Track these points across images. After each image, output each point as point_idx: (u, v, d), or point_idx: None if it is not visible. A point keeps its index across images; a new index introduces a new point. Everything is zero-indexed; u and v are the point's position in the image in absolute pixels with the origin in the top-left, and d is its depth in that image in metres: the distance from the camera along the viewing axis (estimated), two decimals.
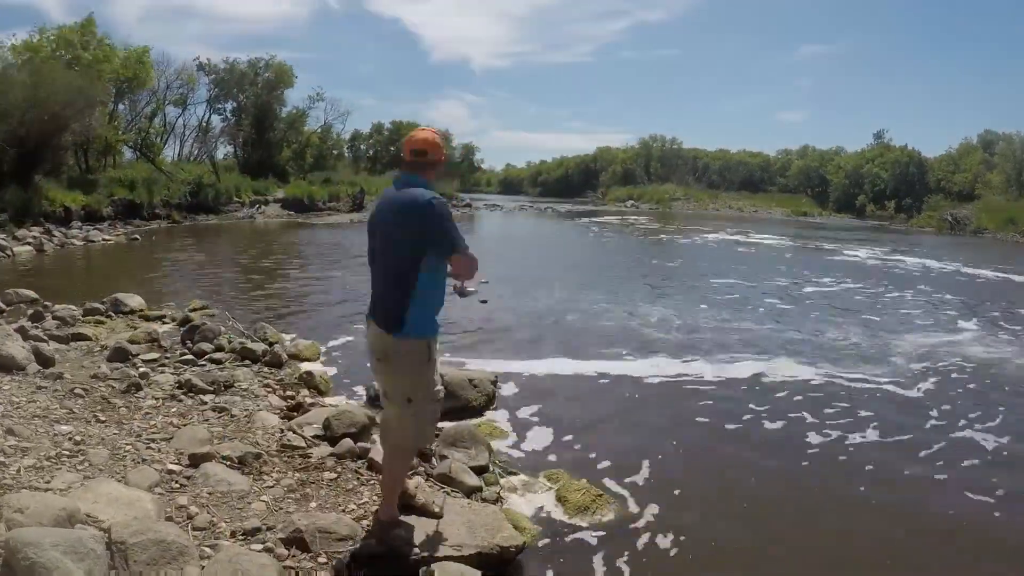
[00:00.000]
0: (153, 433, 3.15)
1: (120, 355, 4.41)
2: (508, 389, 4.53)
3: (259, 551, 2.20)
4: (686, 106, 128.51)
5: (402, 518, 2.39)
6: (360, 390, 4.27)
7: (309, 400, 3.96)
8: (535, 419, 4.02)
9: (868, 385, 5.11)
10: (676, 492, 3.16)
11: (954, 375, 5.52)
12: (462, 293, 2.29)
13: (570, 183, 63.03)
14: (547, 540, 2.66)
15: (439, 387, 2.30)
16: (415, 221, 2.13)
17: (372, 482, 2.86)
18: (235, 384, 4.07)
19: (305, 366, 4.72)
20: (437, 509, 2.48)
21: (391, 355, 2.21)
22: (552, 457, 3.49)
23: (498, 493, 2.96)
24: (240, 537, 2.31)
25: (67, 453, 2.76)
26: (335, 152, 36.27)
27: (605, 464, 3.43)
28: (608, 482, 3.19)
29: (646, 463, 3.48)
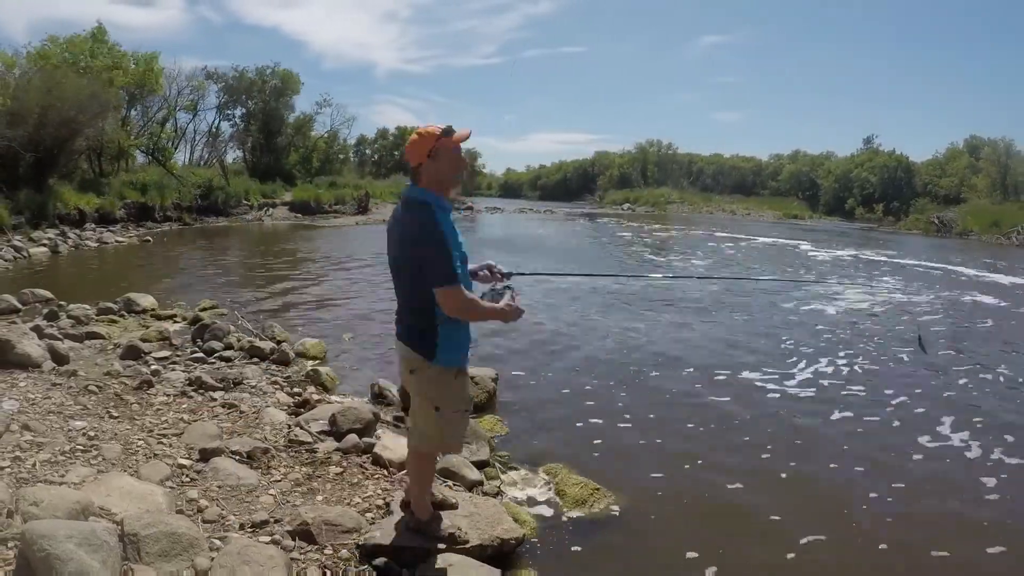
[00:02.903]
0: (164, 428, 3.22)
1: (132, 353, 4.50)
2: (508, 386, 4.57)
3: (267, 543, 2.25)
4: (679, 112, 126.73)
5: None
6: (365, 387, 4.33)
7: (315, 397, 4.01)
8: (535, 415, 4.06)
9: (870, 385, 5.09)
10: (672, 486, 3.19)
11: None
12: (494, 297, 2.17)
13: (569, 186, 63.15)
14: (546, 532, 2.70)
15: (468, 400, 2.25)
16: (411, 255, 2.01)
17: (376, 476, 2.91)
18: (244, 381, 4.14)
19: (312, 364, 4.79)
20: (453, 501, 2.53)
21: (418, 372, 2.17)
22: (551, 452, 3.51)
23: (498, 487, 3.00)
24: (248, 529, 2.36)
25: (81, 448, 2.83)
26: (341, 156, 36.53)
27: (603, 459, 3.46)
28: (606, 476, 3.21)
29: (643, 458, 3.51)
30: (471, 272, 2.29)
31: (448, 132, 2.05)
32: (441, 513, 2.41)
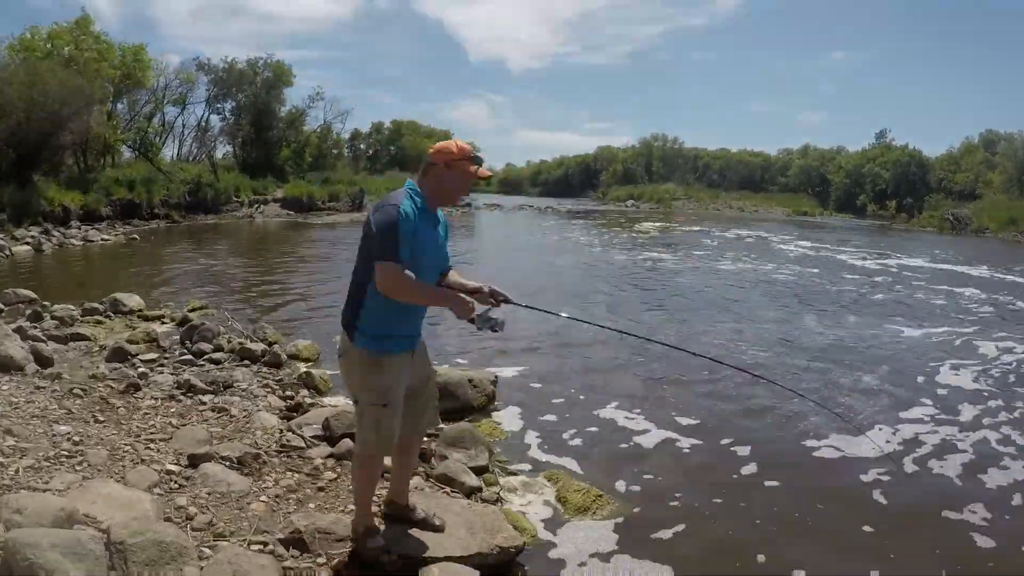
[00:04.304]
0: (152, 433, 3.15)
1: (119, 355, 4.41)
2: (508, 389, 4.53)
3: (258, 551, 2.20)
4: (704, 108, 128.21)
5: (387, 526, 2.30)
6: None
7: (308, 400, 3.96)
8: (535, 419, 4.02)
9: (872, 382, 5.12)
10: (677, 493, 3.16)
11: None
12: (481, 323, 2.09)
13: (570, 183, 62.97)
14: (547, 540, 2.66)
15: (387, 393, 2.08)
16: (365, 233, 2.03)
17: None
18: (234, 384, 4.07)
19: (304, 366, 4.72)
20: (438, 523, 2.38)
21: (343, 357, 2.17)
22: (552, 458, 3.48)
23: (498, 493, 2.95)
24: (239, 538, 2.31)
25: (66, 453, 2.76)
26: (334, 152, 36.23)
27: (605, 465, 3.43)
28: (608, 483, 3.19)
29: (646, 464, 3.48)
30: (471, 289, 2.21)
31: (476, 161, 2.14)
32: (381, 531, 2.27)
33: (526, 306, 2.35)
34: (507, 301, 2.23)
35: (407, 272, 1.97)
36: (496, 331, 2.13)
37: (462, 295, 2.12)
